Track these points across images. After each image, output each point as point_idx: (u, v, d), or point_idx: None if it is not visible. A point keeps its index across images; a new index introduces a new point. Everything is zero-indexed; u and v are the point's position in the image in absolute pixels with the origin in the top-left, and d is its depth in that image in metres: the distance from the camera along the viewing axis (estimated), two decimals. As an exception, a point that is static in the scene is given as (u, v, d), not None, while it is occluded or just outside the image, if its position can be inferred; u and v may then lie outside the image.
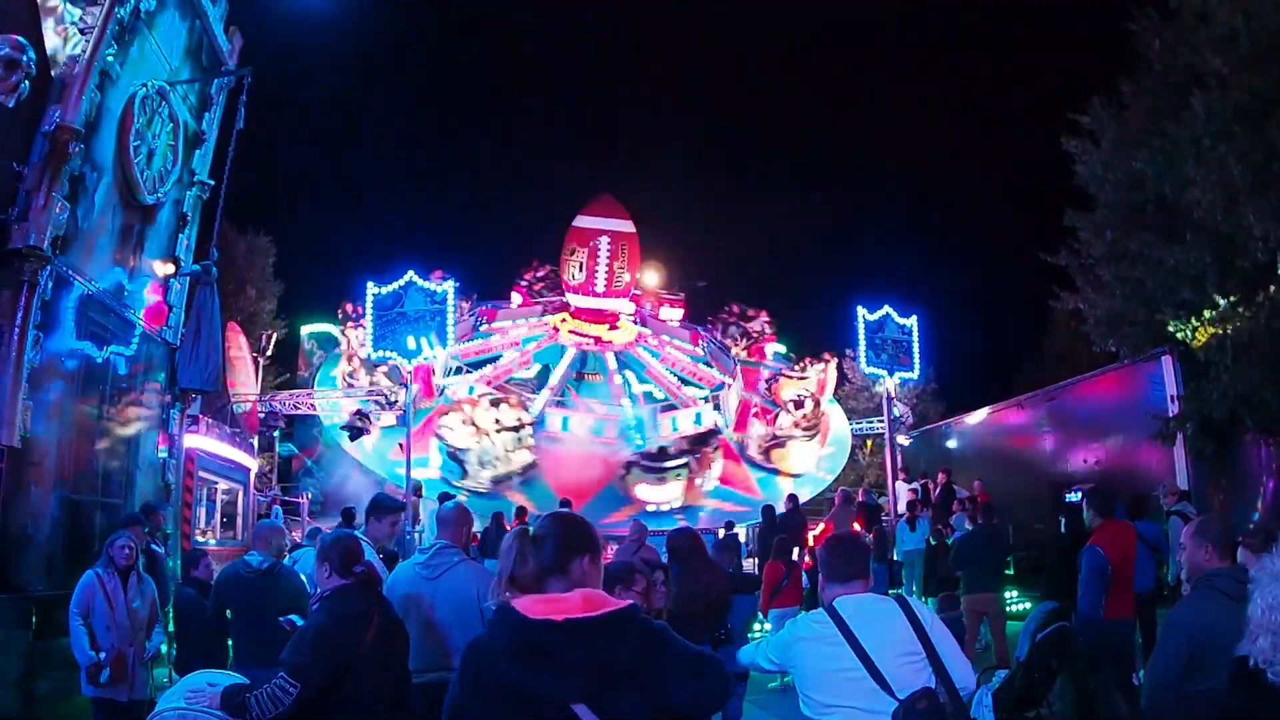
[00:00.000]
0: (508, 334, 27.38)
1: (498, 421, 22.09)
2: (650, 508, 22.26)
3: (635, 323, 28.53)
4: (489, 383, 24.44)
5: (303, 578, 7.22)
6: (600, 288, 27.04)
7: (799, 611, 12.00)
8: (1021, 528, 17.46)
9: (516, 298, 28.64)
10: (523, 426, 22.26)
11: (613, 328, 27.61)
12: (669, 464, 23.05)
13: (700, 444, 23.70)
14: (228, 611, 6.95)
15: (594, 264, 26.75)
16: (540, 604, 2.70)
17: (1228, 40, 13.47)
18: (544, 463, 22.93)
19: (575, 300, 27.33)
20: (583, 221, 26.80)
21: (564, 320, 27.54)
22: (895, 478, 19.80)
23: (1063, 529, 11.55)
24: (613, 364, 27.04)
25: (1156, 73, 15.50)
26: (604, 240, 26.66)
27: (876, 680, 3.60)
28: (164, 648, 8.74)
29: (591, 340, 27.22)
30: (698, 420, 25.22)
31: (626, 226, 26.96)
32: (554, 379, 26.24)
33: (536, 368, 27.02)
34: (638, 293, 28.90)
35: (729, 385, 26.88)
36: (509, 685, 2.61)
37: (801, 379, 26.08)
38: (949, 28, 57.42)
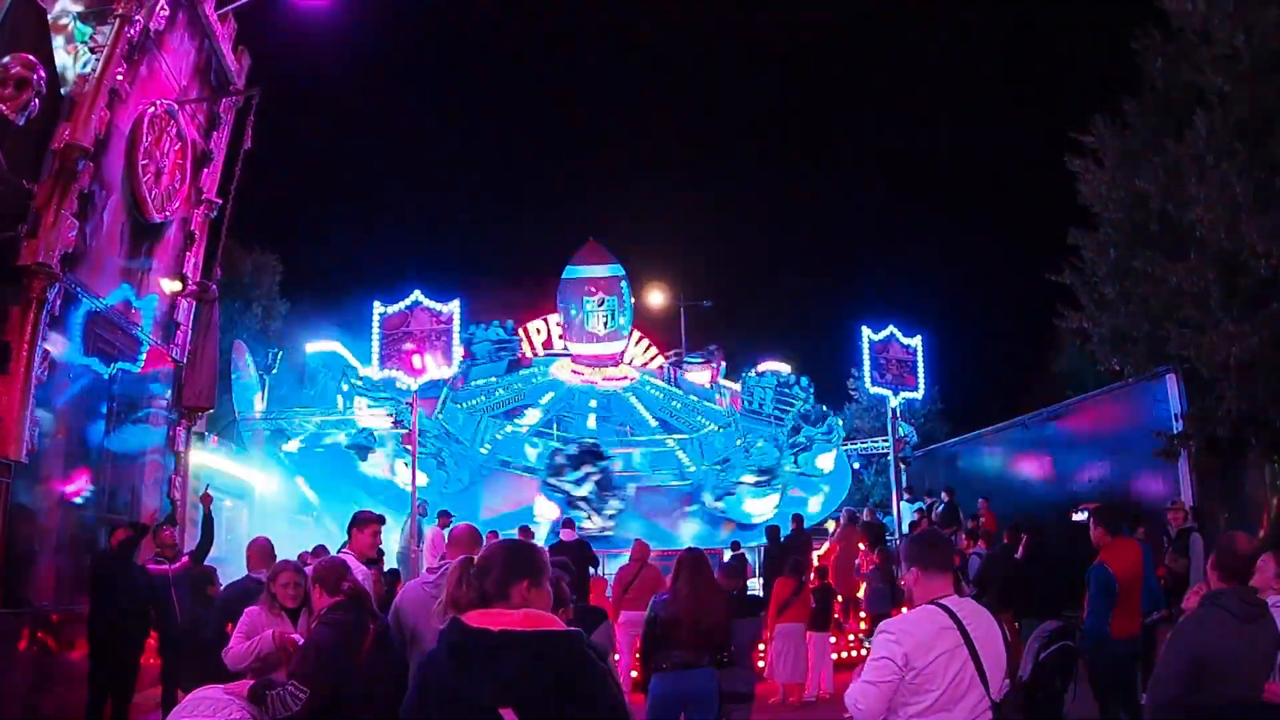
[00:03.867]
0: (511, 387, 27.53)
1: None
2: (756, 519, 22.34)
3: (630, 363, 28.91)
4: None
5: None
6: (600, 333, 27.20)
7: (802, 629, 11.97)
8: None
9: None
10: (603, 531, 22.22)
11: (615, 366, 27.83)
12: (768, 478, 23.23)
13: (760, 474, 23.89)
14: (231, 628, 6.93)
15: (585, 313, 26.91)
16: (483, 616, 2.93)
17: (1229, 58, 13.53)
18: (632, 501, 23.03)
19: (575, 348, 27.56)
20: (572, 272, 27.08)
21: (567, 367, 27.77)
22: (900, 498, 19.74)
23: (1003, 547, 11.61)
24: (634, 400, 27.18)
25: (1158, 91, 15.58)
26: (596, 288, 26.88)
27: (983, 684, 3.76)
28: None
29: (599, 381, 27.43)
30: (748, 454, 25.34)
31: (616, 270, 27.25)
32: (590, 422, 26.36)
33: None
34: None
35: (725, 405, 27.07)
36: (446, 689, 2.83)
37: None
38: (951, 46, 57.62)
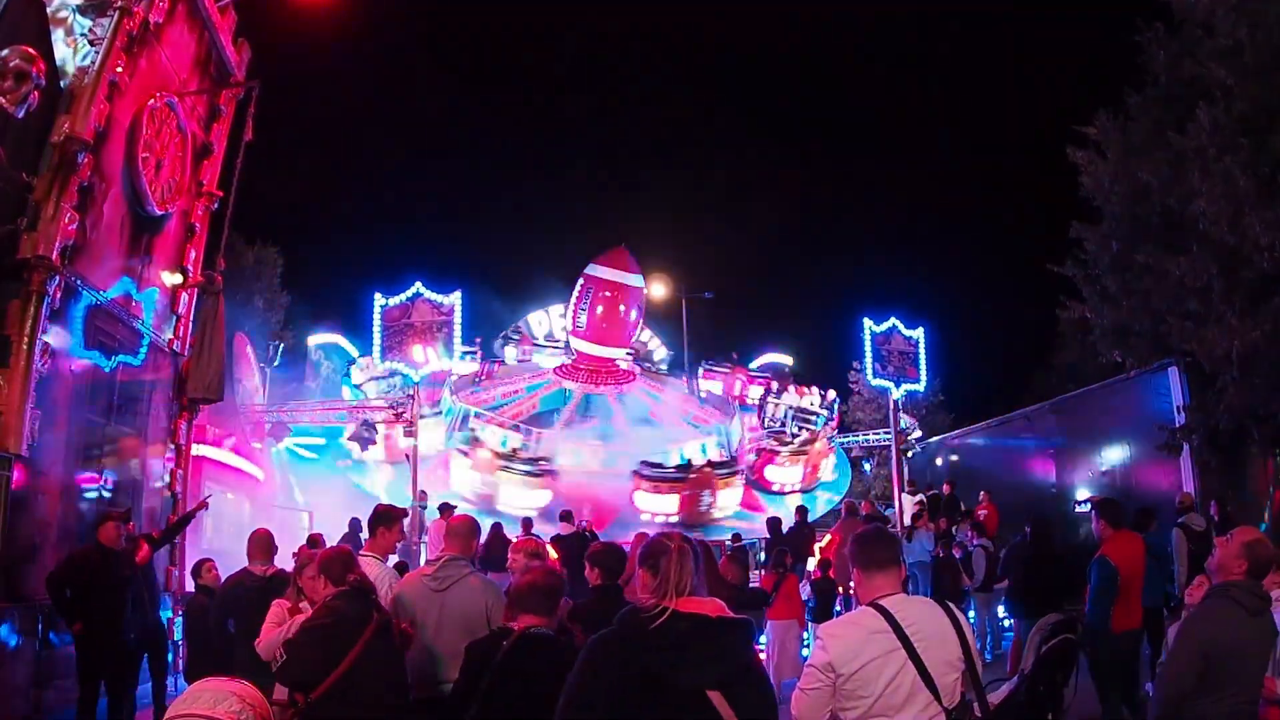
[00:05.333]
0: (511, 383, 27.64)
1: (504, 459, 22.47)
2: (645, 517, 22.23)
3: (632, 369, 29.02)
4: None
5: None
6: (606, 336, 27.26)
7: (794, 625, 11.82)
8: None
9: (512, 351, 29.09)
10: (515, 455, 22.53)
11: (613, 373, 27.89)
12: (672, 477, 23.15)
13: (718, 467, 23.87)
14: (230, 621, 6.92)
15: (603, 314, 26.97)
16: (687, 604, 3.18)
17: (1232, 52, 13.50)
18: (562, 495, 23.00)
19: (578, 345, 27.60)
20: (596, 271, 26.99)
21: (568, 365, 27.89)
22: (902, 490, 19.72)
23: (1028, 537, 11.49)
24: (616, 405, 27.21)
25: (1162, 84, 15.53)
26: (616, 293, 26.92)
27: (929, 689, 3.52)
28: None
29: (594, 385, 27.47)
30: (704, 451, 25.32)
31: (637, 281, 27.28)
32: (563, 417, 26.44)
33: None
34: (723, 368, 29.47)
35: (729, 421, 26.96)
36: (651, 673, 3.01)
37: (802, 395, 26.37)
38: (955, 39, 57.52)
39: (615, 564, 5.72)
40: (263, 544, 7.67)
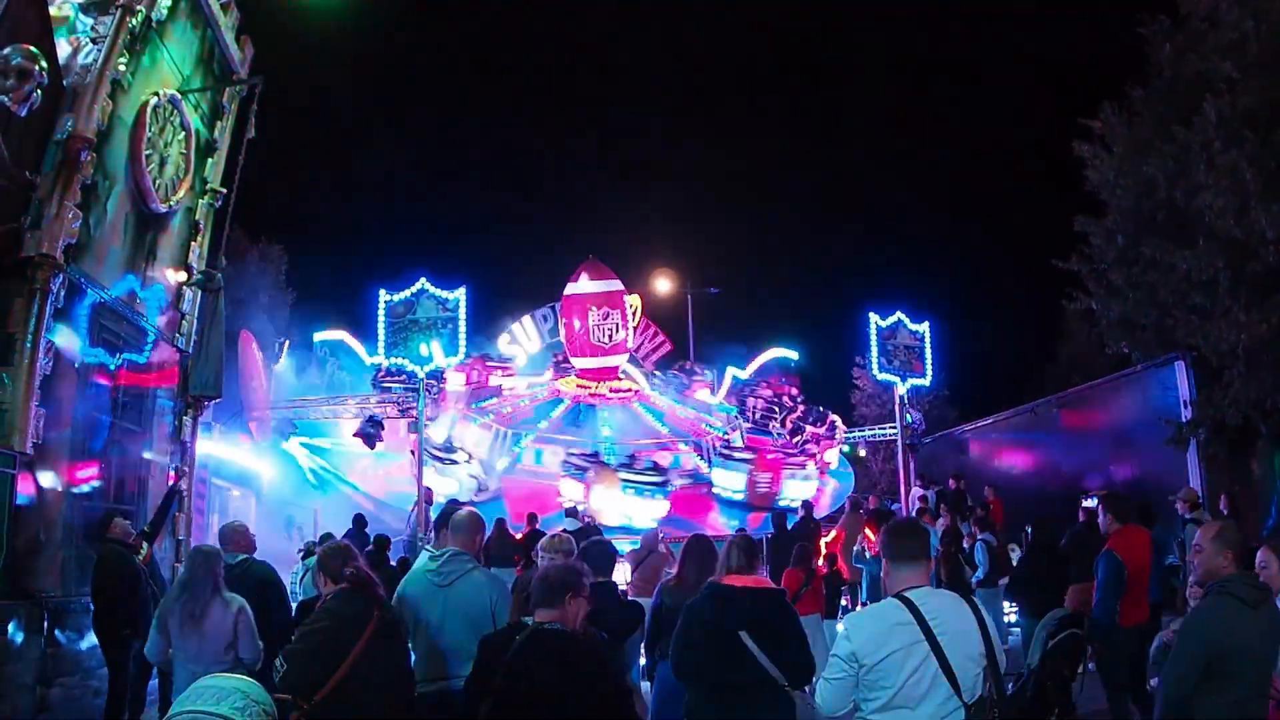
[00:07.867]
0: (514, 390, 27.80)
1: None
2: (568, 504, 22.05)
3: (643, 373, 29.09)
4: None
5: (271, 565, 7.82)
6: (605, 346, 27.34)
7: (819, 619, 11.88)
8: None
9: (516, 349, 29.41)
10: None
11: (614, 378, 27.97)
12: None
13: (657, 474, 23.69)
14: None
15: (593, 328, 27.06)
16: (739, 579, 4.81)
17: (1237, 45, 13.46)
18: (508, 488, 23.16)
19: (580, 363, 27.67)
20: (572, 289, 27.36)
21: (569, 379, 28.07)
22: (912, 485, 19.67)
23: (1029, 539, 11.46)
24: (603, 420, 27.34)
25: (1167, 78, 15.47)
26: (599, 304, 27.10)
27: (950, 683, 3.56)
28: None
29: (589, 395, 27.53)
30: (675, 462, 25.24)
31: (614, 285, 27.55)
32: (543, 424, 26.56)
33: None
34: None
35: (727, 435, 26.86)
36: (707, 622, 4.68)
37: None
38: (958, 33, 57.37)
39: (604, 561, 5.74)
40: (231, 536, 7.80)
